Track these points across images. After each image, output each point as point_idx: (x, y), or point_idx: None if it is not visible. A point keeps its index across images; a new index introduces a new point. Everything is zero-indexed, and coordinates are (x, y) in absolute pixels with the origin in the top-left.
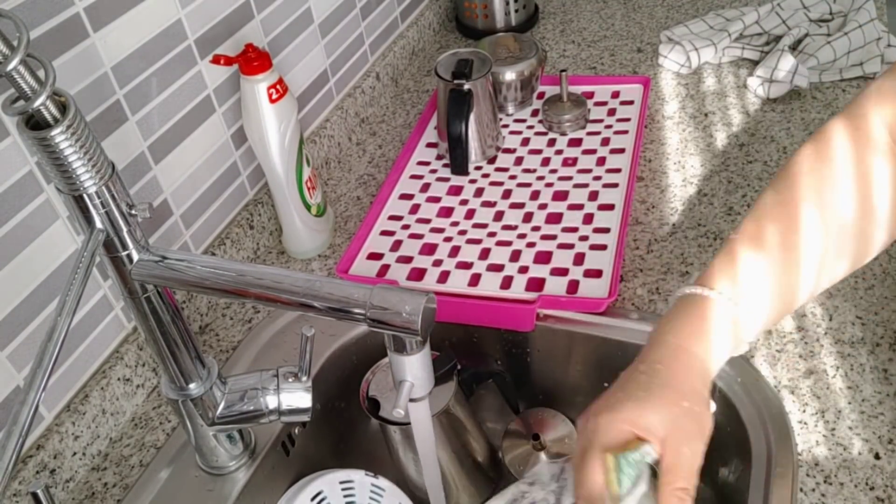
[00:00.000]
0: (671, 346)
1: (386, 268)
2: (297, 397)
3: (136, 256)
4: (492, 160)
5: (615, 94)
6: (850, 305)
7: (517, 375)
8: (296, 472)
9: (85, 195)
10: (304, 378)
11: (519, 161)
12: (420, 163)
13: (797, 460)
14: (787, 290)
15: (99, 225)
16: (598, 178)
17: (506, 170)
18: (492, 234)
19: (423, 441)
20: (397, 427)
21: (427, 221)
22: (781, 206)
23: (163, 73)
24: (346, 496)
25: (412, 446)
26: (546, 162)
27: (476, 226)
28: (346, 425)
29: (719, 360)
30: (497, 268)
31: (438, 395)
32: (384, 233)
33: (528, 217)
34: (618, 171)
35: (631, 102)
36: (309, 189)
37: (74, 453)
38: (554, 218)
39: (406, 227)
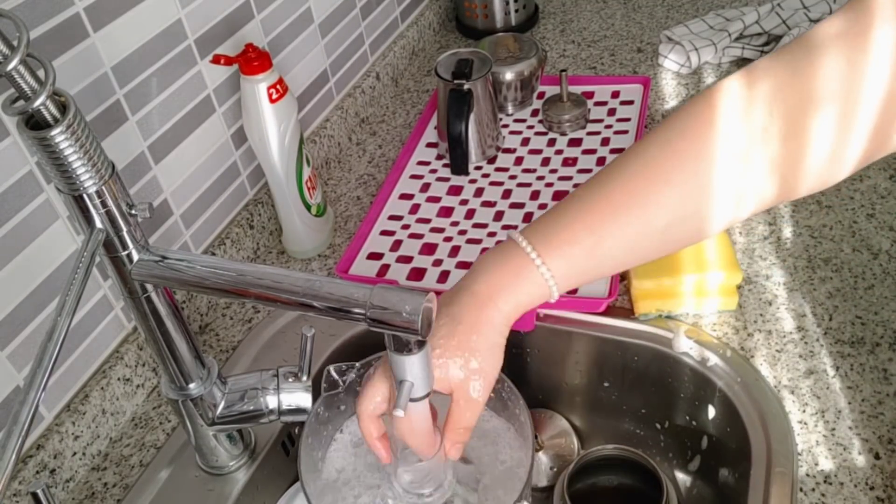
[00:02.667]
0: (480, 296)
1: (386, 267)
2: (297, 397)
3: (136, 256)
4: (492, 160)
5: (615, 94)
6: (850, 305)
7: (516, 375)
8: (296, 472)
9: (85, 195)
10: (304, 378)
11: (519, 161)
12: (420, 163)
13: (797, 460)
14: (605, 258)
15: (99, 225)
16: None
17: (506, 170)
18: (492, 234)
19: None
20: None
21: (427, 221)
22: (625, 177)
23: (163, 73)
24: None
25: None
26: (546, 162)
27: (476, 226)
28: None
29: (522, 310)
30: None
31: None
32: (384, 233)
33: (528, 217)
34: None
35: (631, 102)
36: (309, 189)
37: (74, 453)
38: None
39: (406, 226)
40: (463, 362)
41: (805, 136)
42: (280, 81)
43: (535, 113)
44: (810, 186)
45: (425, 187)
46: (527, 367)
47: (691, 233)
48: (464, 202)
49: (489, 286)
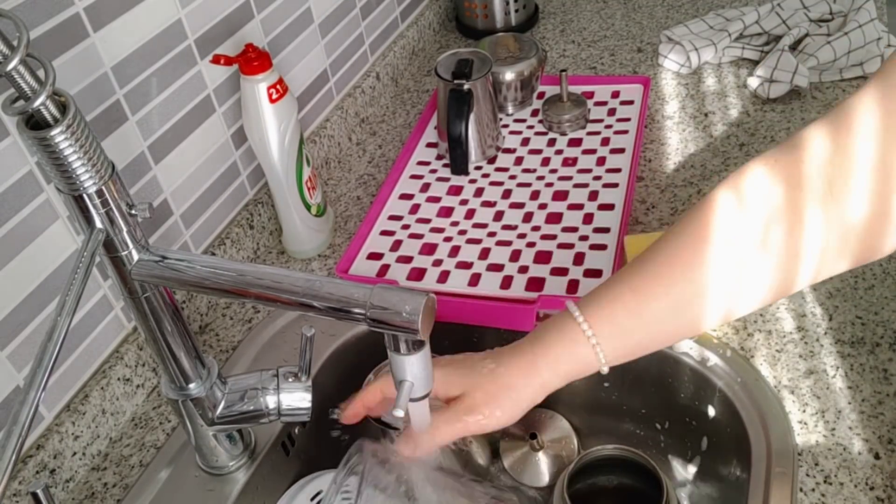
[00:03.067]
0: (527, 356)
1: (386, 268)
2: (297, 397)
3: (136, 256)
4: (492, 160)
5: (615, 94)
6: (850, 305)
7: None
8: (296, 472)
9: (85, 195)
10: (304, 378)
11: (519, 161)
12: (420, 163)
13: (797, 460)
14: (649, 320)
15: (99, 225)
16: (598, 178)
17: (506, 170)
18: (492, 234)
19: None
20: (398, 432)
21: (427, 221)
22: (677, 248)
23: (163, 73)
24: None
25: None
26: (546, 162)
27: (476, 226)
28: (346, 425)
29: (565, 381)
30: (497, 268)
31: None
32: (384, 233)
33: (527, 217)
34: (618, 171)
35: (631, 102)
36: (309, 189)
37: (74, 453)
38: (554, 218)
39: (406, 226)
40: (489, 399)
41: (798, 246)
42: (280, 81)
43: (535, 113)
44: (809, 283)
45: (425, 187)
46: None
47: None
48: (464, 202)
49: (535, 351)
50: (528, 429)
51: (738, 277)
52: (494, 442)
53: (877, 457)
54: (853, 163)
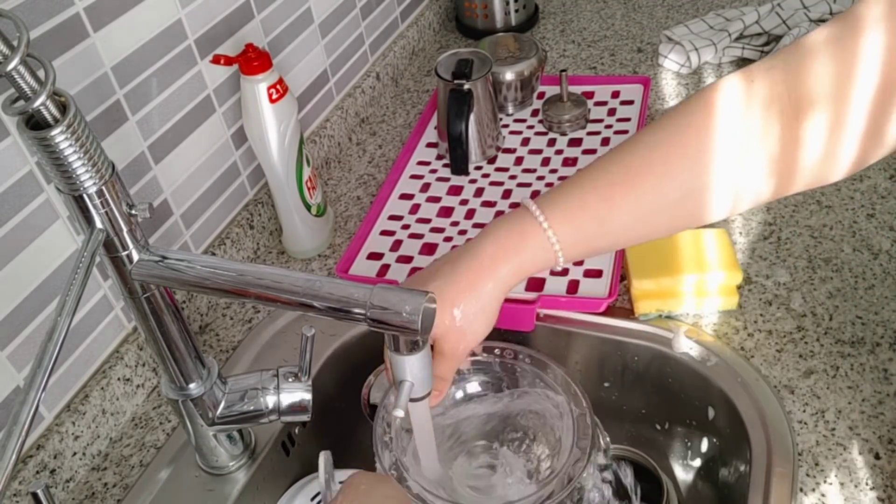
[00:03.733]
0: (482, 258)
1: (386, 268)
2: (298, 397)
3: (136, 256)
4: (492, 160)
5: (615, 94)
6: (850, 305)
7: None
8: (296, 472)
9: (85, 195)
10: (304, 378)
11: (519, 161)
12: (420, 163)
13: (797, 460)
14: (615, 228)
15: (99, 225)
16: None
17: (506, 170)
18: None
19: (423, 441)
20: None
21: (427, 221)
22: (634, 154)
23: (163, 73)
24: None
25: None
26: (546, 162)
27: (476, 226)
28: (346, 425)
29: (524, 275)
30: None
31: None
32: (384, 233)
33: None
34: None
35: (631, 102)
36: (309, 189)
37: (74, 453)
38: None
39: (406, 226)
40: (449, 318)
41: (799, 136)
42: (280, 81)
43: (535, 113)
44: (806, 183)
45: (425, 187)
46: None
47: (694, 216)
48: (464, 202)
49: (494, 248)
50: None
51: (741, 166)
52: None
53: (877, 457)
54: (855, 75)
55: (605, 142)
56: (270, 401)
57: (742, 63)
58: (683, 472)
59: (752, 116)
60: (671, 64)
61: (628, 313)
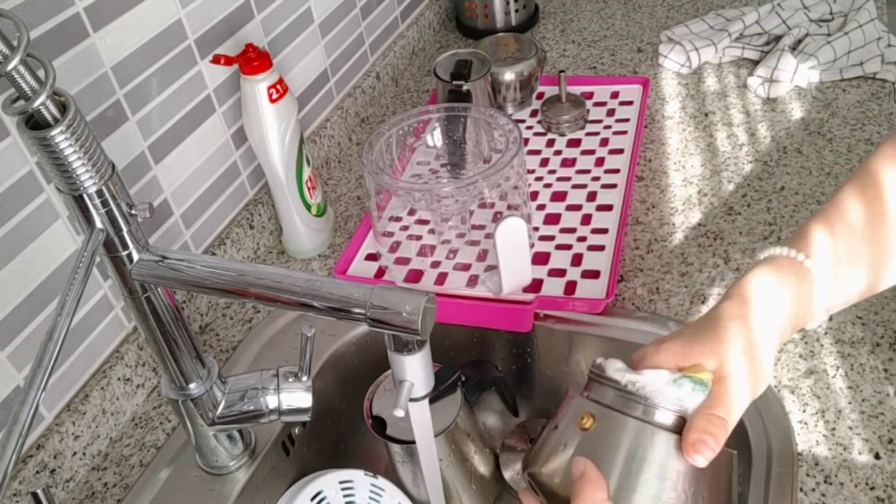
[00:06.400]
0: (752, 304)
1: (384, 269)
2: (298, 397)
3: (136, 256)
4: (490, 161)
5: (614, 95)
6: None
7: (517, 376)
8: (296, 472)
9: (85, 195)
10: (305, 378)
11: None
12: (420, 163)
13: (797, 460)
14: (874, 269)
15: (99, 225)
16: (596, 178)
17: None
18: (489, 237)
19: (423, 441)
20: (402, 445)
21: (426, 222)
22: (864, 195)
23: (163, 73)
24: (345, 496)
25: (416, 464)
26: (545, 163)
27: (474, 227)
28: (346, 425)
29: (796, 326)
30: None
31: (444, 411)
32: (383, 234)
33: (526, 219)
34: (616, 171)
35: (630, 103)
36: (309, 189)
37: (74, 453)
38: (552, 219)
39: (405, 227)
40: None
41: None
42: (280, 81)
43: (534, 113)
44: None
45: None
46: (527, 368)
47: None
48: (463, 203)
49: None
50: (527, 440)
51: None
52: (493, 452)
53: (877, 457)
54: None
55: (604, 142)
56: (270, 401)
57: (742, 63)
58: None
59: None
60: (671, 64)
61: (628, 313)
